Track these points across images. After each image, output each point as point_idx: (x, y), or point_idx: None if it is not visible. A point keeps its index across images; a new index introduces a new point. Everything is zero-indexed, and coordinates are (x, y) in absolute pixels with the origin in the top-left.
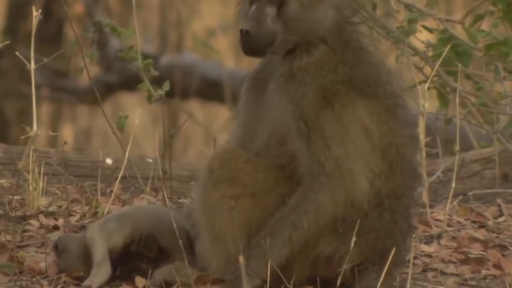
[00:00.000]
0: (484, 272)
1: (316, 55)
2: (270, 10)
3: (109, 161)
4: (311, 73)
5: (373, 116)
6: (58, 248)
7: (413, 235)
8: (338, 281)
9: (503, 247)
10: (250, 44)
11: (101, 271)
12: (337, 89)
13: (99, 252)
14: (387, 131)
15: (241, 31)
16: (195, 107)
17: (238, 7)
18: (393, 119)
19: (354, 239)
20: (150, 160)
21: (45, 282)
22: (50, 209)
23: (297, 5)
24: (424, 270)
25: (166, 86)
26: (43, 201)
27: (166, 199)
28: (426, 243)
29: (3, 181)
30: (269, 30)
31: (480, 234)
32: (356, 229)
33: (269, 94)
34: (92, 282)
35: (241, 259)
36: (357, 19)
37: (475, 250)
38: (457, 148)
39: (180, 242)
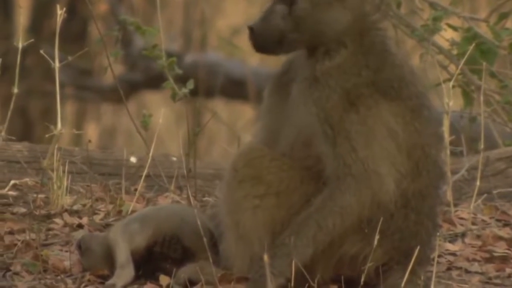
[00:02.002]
0: (508, 270)
1: (338, 59)
2: (280, 8)
3: (133, 159)
4: (335, 77)
5: (397, 117)
6: (81, 247)
7: (438, 234)
8: (362, 280)
9: None
10: (255, 41)
11: (125, 273)
12: (361, 92)
13: (122, 254)
14: (412, 132)
15: (248, 27)
16: (219, 106)
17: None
18: (418, 120)
19: (377, 237)
20: (174, 159)
21: (69, 281)
22: (75, 207)
23: (308, 4)
24: (449, 269)
25: (190, 84)
26: (67, 200)
27: (191, 197)
28: (450, 242)
29: (27, 179)
30: (275, 28)
31: (505, 232)
32: (381, 229)
33: (293, 97)
34: (116, 282)
35: (266, 257)
36: (380, 21)
37: (500, 249)
38: (482, 146)
39: (205, 240)
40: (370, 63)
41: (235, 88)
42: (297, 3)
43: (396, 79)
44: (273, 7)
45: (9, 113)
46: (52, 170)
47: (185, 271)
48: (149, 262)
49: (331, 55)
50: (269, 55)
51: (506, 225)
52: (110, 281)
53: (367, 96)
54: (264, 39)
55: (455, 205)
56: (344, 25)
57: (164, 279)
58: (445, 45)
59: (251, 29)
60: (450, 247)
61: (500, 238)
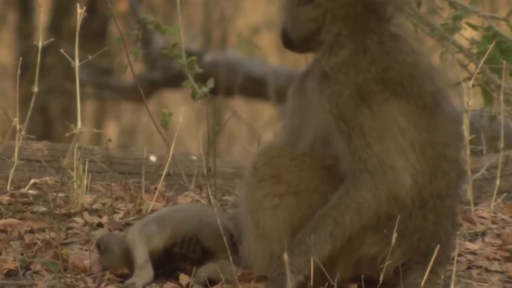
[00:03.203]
0: None
1: (342, 55)
2: (305, 8)
3: (153, 158)
4: (343, 72)
5: (407, 116)
6: (100, 247)
7: (457, 233)
8: (381, 278)
9: None
10: (286, 38)
11: (144, 273)
12: (371, 88)
13: (141, 255)
14: (423, 131)
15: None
16: (239, 105)
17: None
18: (431, 118)
19: (395, 235)
20: (194, 158)
21: (89, 279)
22: (94, 206)
23: (286, 8)
24: (469, 268)
25: (211, 83)
26: (87, 199)
27: (210, 196)
28: (470, 241)
29: (47, 178)
30: (304, 26)
31: None
32: (400, 229)
33: (309, 95)
34: (136, 281)
35: (285, 256)
36: (393, 19)
37: None
38: (502, 145)
39: (225, 238)
40: (377, 61)
41: (255, 87)
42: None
43: (406, 77)
44: (298, 5)
45: (29, 112)
46: (72, 169)
47: (205, 270)
48: (168, 262)
49: (335, 52)
50: (296, 52)
51: None
52: (129, 280)
53: (377, 93)
54: (293, 37)
55: (475, 204)
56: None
57: (184, 278)
58: (465, 44)
59: (283, 28)
60: (470, 246)
61: None
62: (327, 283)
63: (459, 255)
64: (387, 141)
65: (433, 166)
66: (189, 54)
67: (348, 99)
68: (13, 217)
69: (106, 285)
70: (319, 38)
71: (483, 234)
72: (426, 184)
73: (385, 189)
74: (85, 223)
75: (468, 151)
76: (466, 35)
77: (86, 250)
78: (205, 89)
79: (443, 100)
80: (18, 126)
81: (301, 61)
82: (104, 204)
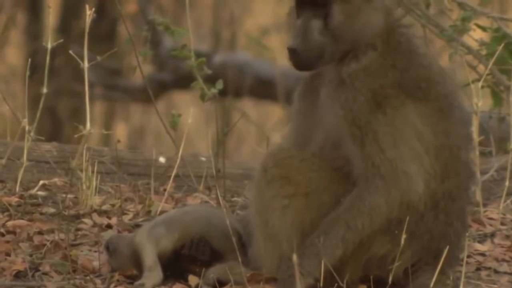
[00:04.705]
0: None
1: (365, 61)
2: (316, 23)
3: (162, 159)
4: (361, 79)
5: (424, 118)
6: (109, 249)
7: (467, 234)
8: (390, 279)
9: None
10: (299, 61)
11: (153, 275)
12: (388, 92)
13: (149, 257)
14: (440, 133)
15: (289, 49)
16: (248, 106)
17: (287, 19)
18: (446, 120)
19: (404, 236)
20: (203, 159)
21: (98, 281)
22: (104, 207)
23: (342, 14)
24: (478, 269)
25: (220, 84)
26: (96, 200)
27: (220, 197)
28: (479, 242)
29: (56, 179)
30: (317, 44)
31: None
32: (411, 230)
33: (321, 100)
34: (145, 282)
35: (295, 258)
36: (407, 21)
37: None
38: (511, 146)
39: (234, 239)
40: (397, 63)
41: (263, 88)
42: (332, 16)
43: (423, 79)
44: (308, 23)
45: (38, 113)
46: (81, 170)
47: (214, 271)
48: (177, 264)
49: (359, 57)
50: (309, 71)
51: None
52: (139, 282)
53: (394, 97)
54: (307, 57)
55: (484, 205)
56: (377, 26)
57: (193, 280)
58: (474, 45)
59: (293, 50)
60: (479, 247)
61: None
62: (336, 284)
63: (468, 256)
64: (401, 146)
65: (446, 168)
66: (198, 55)
67: (363, 105)
68: (22, 218)
69: (115, 286)
70: (364, 44)
71: (492, 235)
72: (439, 186)
73: (398, 195)
74: (94, 224)
75: (478, 153)
76: (475, 36)
77: (95, 251)
78: (214, 90)
79: (454, 102)
80: (27, 127)
81: None
82: (113, 205)
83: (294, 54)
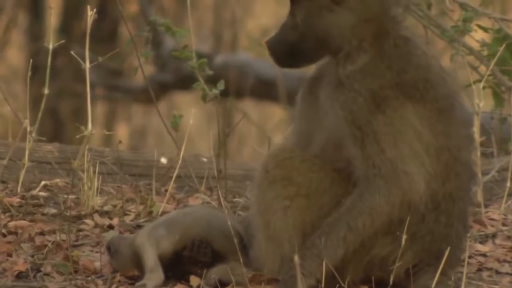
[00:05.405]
0: None
1: (360, 63)
2: (288, 20)
3: (163, 160)
4: (359, 80)
5: (423, 119)
6: (110, 249)
7: (468, 235)
8: (391, 280)
9: None
10: (273, 56)
11: (155, 276)
12: (386, 93)
13: (150, 258)
14: (440, 134)
15: (265, 43)
16: (249, 106)
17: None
18: (446, 121)
19: (405, 236)
20: (205, 159)
21: (99, 281)
22: (105, 208)
23: (305, 12)
24: (479, 270)
25: (221, 85)
26: (98, 200)
27: (221, 198)
28: (481, 243)
29: (58, 180)
30: (285, 40)
31: None
32: (412, 231)
33: (321, 101)
34: (147, 283)
35: (296, 258)
36: (403, 21)
37: None
38: None
39: (236, 240)
40: (393, 65)
41: (265, 89)
42: (296, 13)
43: (421, 80)
44: (285, 21)
45: (40, 114)
46: (83, 171)
47: (216, 272)
48: (178, 265)
49: (353, 59)
50: (292, 69)
51: None
52: (140, 283)
53: (393, 98)
54: (278, 54)
55: (486, 206)
56: (351, 28)
57: (194, 280)
58: (475, 46)
59: (267, 45)
60: (481, 248)
61: None
62: (337, 285)
63: (469, 257)
64: (402, 147)
65: (446, 169)
66: (200, 56)
67: (362, 105)
68: (24, 219)
69: (117, 287)
70: (336, 45)
71: (494, 236)
72: (440, 187)
73: (399, 195)
74: (96, 225)
75: (479, 153)
76: (477, 37)
77: (97, 252)
78: (215, 91)
79: (456, 103)
80: (28, 128)
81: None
82: (114, 206)
83: (268, 49)
